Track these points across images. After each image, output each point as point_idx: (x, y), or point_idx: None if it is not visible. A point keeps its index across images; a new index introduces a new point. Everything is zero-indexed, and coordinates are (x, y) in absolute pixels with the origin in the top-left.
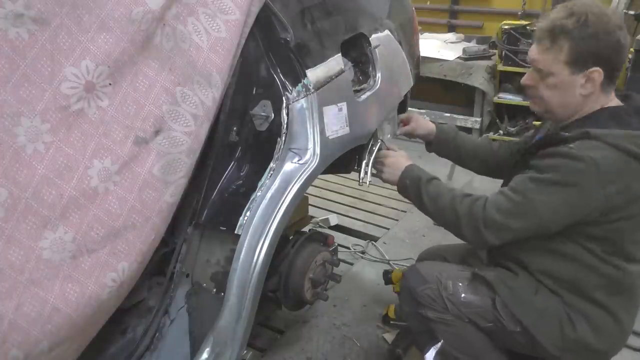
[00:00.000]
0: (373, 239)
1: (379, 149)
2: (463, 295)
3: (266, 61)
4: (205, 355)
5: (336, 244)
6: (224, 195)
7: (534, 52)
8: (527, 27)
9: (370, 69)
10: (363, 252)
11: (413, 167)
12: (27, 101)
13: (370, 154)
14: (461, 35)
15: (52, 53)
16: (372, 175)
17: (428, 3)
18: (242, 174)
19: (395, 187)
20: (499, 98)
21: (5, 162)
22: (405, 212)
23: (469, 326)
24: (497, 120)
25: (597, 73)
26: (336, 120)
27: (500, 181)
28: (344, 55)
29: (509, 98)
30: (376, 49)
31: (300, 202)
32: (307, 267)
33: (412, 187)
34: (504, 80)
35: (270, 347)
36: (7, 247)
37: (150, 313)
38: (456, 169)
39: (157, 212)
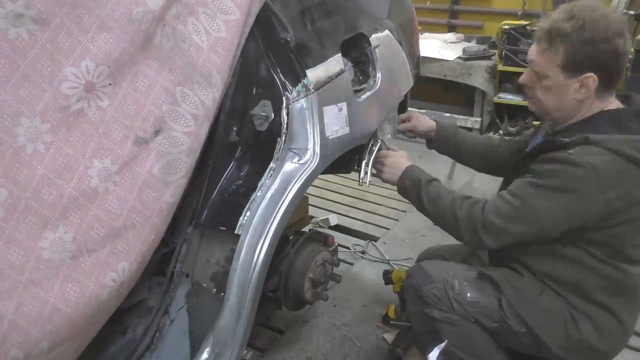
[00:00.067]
0: (373, 239)
1: (379, 149)
2: (469, 294)
3: (266, 61)
4: (205, 355)
5: (336, 244)
6: (224, 195)
7: (532, 52)
8: (527, 27)
9: (370, 69)
10: (363, 252)
11: (413, 168)
12: (27, 101)
13: (370, 154)
14: (461, 35)
15: (52, 53)
16: (372, 175)
17: (428, 3)
18: (242, 174)
19: (395, 187)
20: (499, 98)
21: (5, 162)
22: (405, 212)
23: (475, 326)
24: (497, 120)
25: (592, 79)
26: (336, 120)
27: (500, 180)
28: (344, 55)
29: (509, 98)
30: (376, 49)
31: (300, 202)
32: (307, 267)
33: (411, 189)
34: (504, 80)
35: (270, 347)
36: (7, 247)
37: (150, 313)
38: (456, 169)
39: (157, 212)
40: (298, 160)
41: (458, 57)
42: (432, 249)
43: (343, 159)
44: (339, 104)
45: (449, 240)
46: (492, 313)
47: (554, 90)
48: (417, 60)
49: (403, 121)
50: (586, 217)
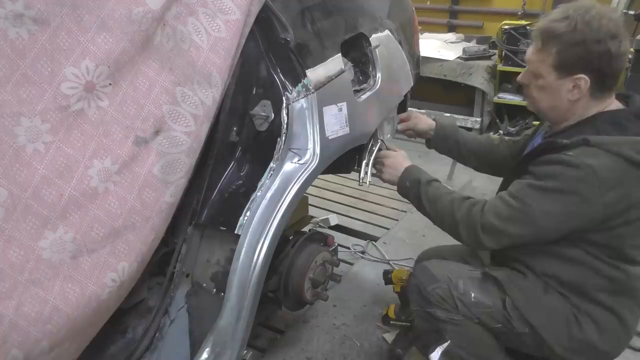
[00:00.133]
0: (373, 239)
1: (379, 149)
2: (473, 295)
3: (266, 61)
4: (205, 355)
5: (336, 244)
6: (224, 195)
7: (529, 51)
8: (527, 27)
9: (370, 69)
10: (363, 252)
11: (413, 169)
12: (27, 101)
13: (370, 154)
14: (461, 35)
15: (52, 53)
16: (372, 175)
17: (428, 3)
18: (242, 174)
19: (395, 187)
20: (499, 98)
21: (5, 162)
22: (405, 212)
23: (478, 327)
24: (497, 120)
25: (584, 81)
26: (336, 120)
27: (500, 180)
28: (344, 55)
29: (509, 98)
30: (376, 49)
31: (300, 202)
32: (307, 267)
33: (411, 189)
34: (504, 80)
35: (270, 347)
36: (7, 247)
37: (150, 313)
38: (456, 169)
39: (157, 212)
40: (298, 160)
41: (458, 57)
42: (432, 250)
43: (343, 159)
44: (339, 104)
45: (449, 240)
46: (496, 313)
47: (548, 90)
48: (417, 60)
49: (403, 120)
50: (586, 219)
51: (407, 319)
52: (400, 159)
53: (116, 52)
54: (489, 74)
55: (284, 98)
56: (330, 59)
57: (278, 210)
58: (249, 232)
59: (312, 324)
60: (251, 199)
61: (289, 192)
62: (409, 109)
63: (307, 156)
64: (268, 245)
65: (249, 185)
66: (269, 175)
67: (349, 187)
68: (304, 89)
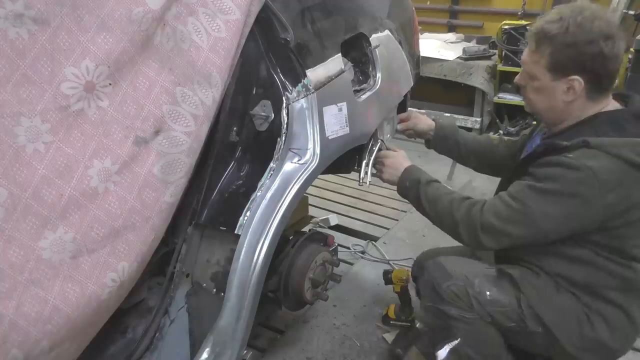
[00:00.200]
0: (373, 239)
1: (379, 149)
2: (489, 293)
3: (266, 61)
4: (205, 355)
5: (336, 244)
6: (224, 195)
7: (524, 53)
8: (527, 27)
9: (370, 69)
10: (363, 252)
11: (412, 169)
12: (27, 101)
13: (370, 154)
14: (461, 35)
15: (52, 53)
16: (372, 175)
17: (428, 3)
18: (242, 174)
19: (395, 187)
20: (498, 98)
21: (5, 162)
22: (405, 212)
23: (489, 326)
24: (497, 120)
25: (577, 82)
26: (336, 120)
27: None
28: (344, 55)
29: (509, 98)
30: (376, 49)
31: (300, 202)
32: (307, 267)
33: (411, 189)
34: (504, 80)
35: (270, 347)
36: (7, 247)
37: (150, 313)
38: (456, 169)
39: (157, 212)
40: (298, 160)
41: (458, 57)
42: (431, 252)
43: (343, 159)
44: (339, 104)
45: (449, 240)
46: (511, 313)
47: (543, 92)
48: (417, 60)
49: (402, 120)
50: (586, 220)
51: (407, 319)
52: (400, 159)
53: (116, 52)
54: (489, 74)
55: (284, 98)
56: (330, 59)
57: (278, 210)
58: (249, 232)
59: (312, 324)
60: (251, 199)
61: (289, 192)
62: (409, 109)
63: (307, 156)
64: (268, 245)
65: (249, 185)
66: (269, 175)
67: (349, 187)
68: (304, 89)
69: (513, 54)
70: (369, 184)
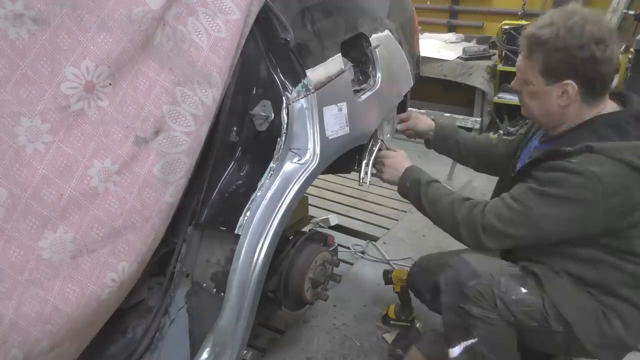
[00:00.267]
0: (373, 239)
1: (379, 149)
2: (515, 293)
3: (266, 61)
4: (205, 355)
5: (336, 244)
6: (224, 195)
7: (518, 58)
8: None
9: (370, 69)
10: (363, 252)
11: (413, 169)
12: (27, 101)
13: (370, 154)
14: (461, 35)
15: (52, 53)
16: (372, 175)
17: (428, 3)
18: (242, 174)
19: (395, 187)
20: (498, 98)
21: (5, 162)
22: (405, 212)
23: (509, 327)
24: (497, 120)
25: (571, 86)
26: (336, 120)
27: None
28: (344, 55)
29: (509, 98)
30: (376, 49)
31: (300, 202)
32: (307, 267)
33: (411, 190)
34: (504, 80)
35: (270, 347)
36: (7, 247)
37: (150, 313)
38: (456, 169)
39: (157, 212)
40: (298, 160)
41: (458, 57)
42: (433, 258)
43: (343, 159)
44: (339, 104)
45: (449, 240)
46: (535, 312)
47: (538, 97)
48: (417, 60)
49: (402, 120)
50: (588, 223)
51: (407, 319)
52: (400, 159)
53: (116, 52)
54: (489, 74)
55: (284, 98)
56: (330, 59)
57: (278, 210)
58: (249, 232)
59: (312, 324)
60: (251, 199)
61: (289, 192)
62: (409, 109)
63: (307, 156)
64: (268, 245)
65: (249, 185)
66: (269, 175)
67: (349, 187)
68: (304, 89)
69: (513, 54)
70: (369, 184)
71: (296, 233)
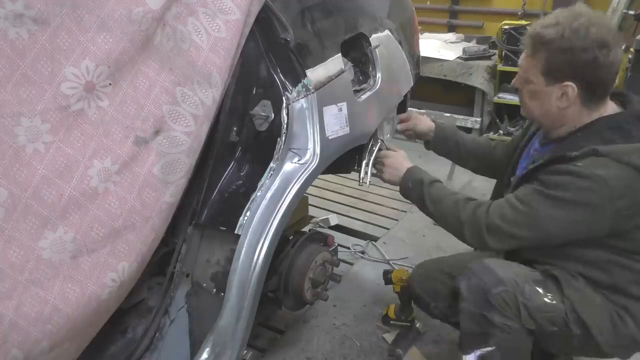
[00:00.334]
0: (373, 239)
1: (379, 149)
2: (538, 301)
3: (266, 61)
4: (205, 355)
5: (336, 244)
6: (224, 195)
7: (521, 56)
8: (527, 27)
9: (370, 69)
10: (363, 252)
11: (415, 169)
12: (27, 101)
13: (370, 154)
14: (461, 35)
15: (52, 53)
16: (372, 175)
17: (428, 3)
18: (242, 174)
19: (395, 187)
20: (499, 98)
21: (5, 162)
22: (405, 212)
23: (528, 336)
24: (497, 120)
25: (571, 88)
26: (336, 120)
27: None
28: (344, 55)
29: (509, 98)
30: (376, 49)
31: (300, 202)
32: (307, 267)
33: (414, 190)
34: (504, 80)
35: (270, 347)
36: (7, 247)
37: (150, 313)
38: (456, 170)
39: (157, 212)
40: (298, 160)
41: (458, 57)
42: (432, 265)
43: (343, 159)
44: (339, 104)
45: (449, 240)
46: (556, 318)
47: (537, 96)
48: (417, 60)
49: (402, 121)
50: (594, 226)
51: (407, 319)
52: (400, 159)
53: (116, 52)
54: (489, 74)
55: (284, 98)
56: (330, 59)
57: (278, 210)
58: (249, 232)
59: (312, 324)
60: (251, 199)
61: (289, 192)
62: (409, 109)
63: (307, 156)
64: (268, 245)
65: (249, 185)
66: (269, 175)
67: (349, 187)
68: (304, 89)
69: (513, 54)
70: (369, 184)
71: (296, 233)
